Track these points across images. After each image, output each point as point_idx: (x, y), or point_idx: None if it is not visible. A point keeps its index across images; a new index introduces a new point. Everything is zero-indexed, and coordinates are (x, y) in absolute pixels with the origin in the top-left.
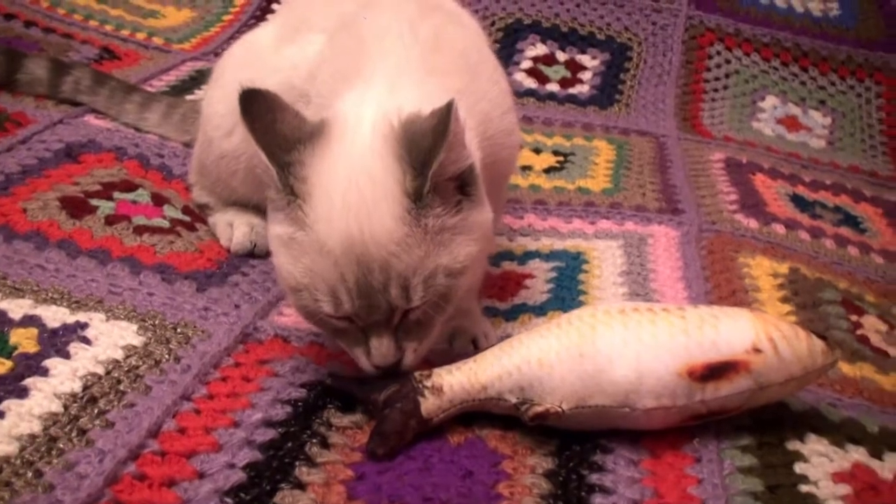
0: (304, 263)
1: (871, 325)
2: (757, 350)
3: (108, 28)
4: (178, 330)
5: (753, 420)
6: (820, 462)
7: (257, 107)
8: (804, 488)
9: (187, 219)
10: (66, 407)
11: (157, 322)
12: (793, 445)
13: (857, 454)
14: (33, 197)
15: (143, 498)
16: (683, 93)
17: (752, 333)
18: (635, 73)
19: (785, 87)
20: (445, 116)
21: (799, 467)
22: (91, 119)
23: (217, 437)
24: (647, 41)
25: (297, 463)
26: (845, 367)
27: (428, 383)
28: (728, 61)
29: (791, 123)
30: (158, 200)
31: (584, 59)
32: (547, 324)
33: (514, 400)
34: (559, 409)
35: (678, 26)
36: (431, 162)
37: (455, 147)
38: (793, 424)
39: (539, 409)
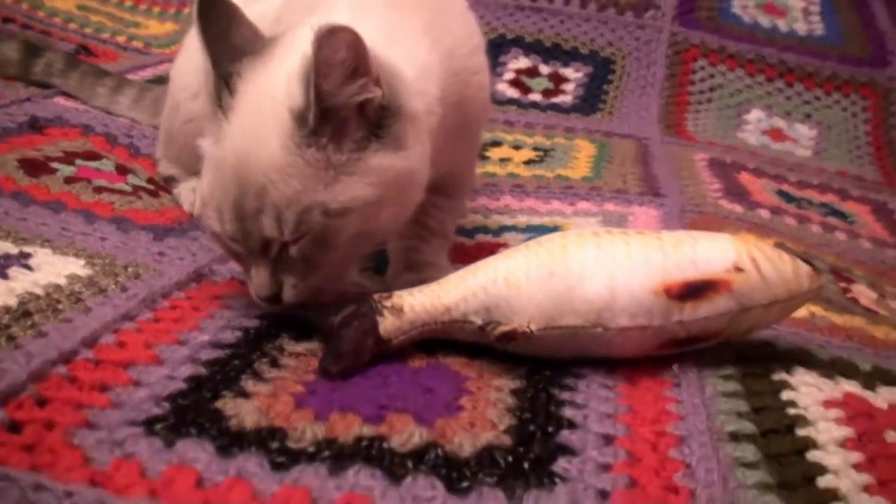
0: (209, 178)
1: (861, 292)
2: (738, 269)
3: (88, 30)
4: (129, 269)
5: (736, 354)
6: (809, 391)
7: (215, 13)
8: (792, 411)
9: (151, 187)
10: None
11: (106, 261)
12: (779, 376)
13: (849, 386)
14: None
15: (70, 396)
16: (667, 103)
17: (733, 253)
18: (619, 84)
19: (770, 101)
20: (314, 42)
21: (786, 395)
22: (61, 100)
23: (158, 352)
24: (631, 55)
25: (243, 377)
26: (835, 317)
27: (388, 303)
28: (712, 76)
29: (776, 135)
30: (122, 170)
31: (567, 72)
32: (514, 247)
33: (479, 322)
34: (527, 329)
35: (662, 42)
36: (310, 83)
37: (333, 75)
38: (779, 359)
39: (506, 328)
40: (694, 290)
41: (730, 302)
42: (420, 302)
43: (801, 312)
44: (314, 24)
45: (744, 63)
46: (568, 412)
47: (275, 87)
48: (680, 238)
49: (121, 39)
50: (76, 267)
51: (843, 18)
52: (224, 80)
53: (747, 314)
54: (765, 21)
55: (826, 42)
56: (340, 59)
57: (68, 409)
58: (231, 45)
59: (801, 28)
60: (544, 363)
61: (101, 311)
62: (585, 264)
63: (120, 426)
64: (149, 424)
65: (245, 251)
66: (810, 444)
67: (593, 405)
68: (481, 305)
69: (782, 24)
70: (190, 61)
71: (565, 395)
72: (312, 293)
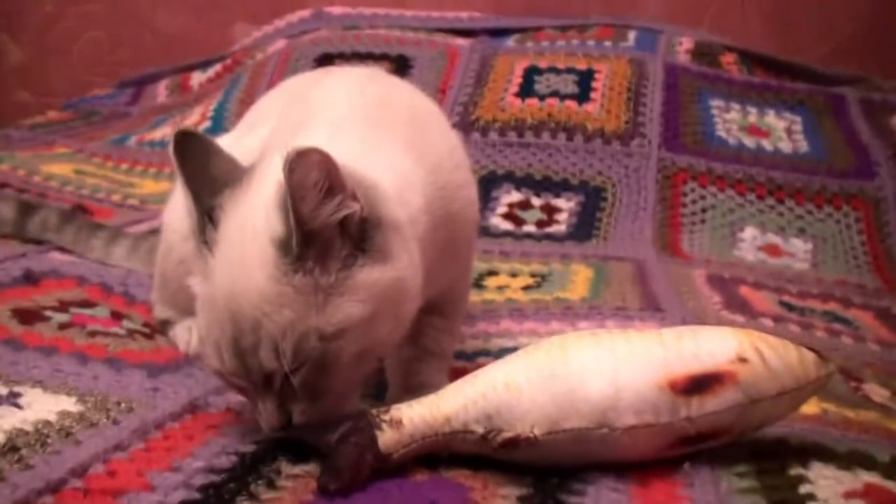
0: (202, 316)
1: (873, 390)
2: (742, 360)
3: (84, 191)
4: (122, 404)
5: (749, 451)
6: (828, 484)
7: (191, 148)
8: None
9: (146, 330)
10: None
11: (99, 398)
12: (796, 471)
13: (869, 477)
14: None
15: None
16: (661, 225)
17: (735, 344)
18: (611, 210)
19: (763, 218)
20: (285, 168)
21: (805, 488)
22: (56, 254)
23: (150, 479)
24: (621, 182)
25: (238, 499)
26: (848, 412)
27: (386, 417)
28: (703, 197)
29: (773, 250)
30: (117, 316)
31: (560, 203)
32: (513, 353)
33: (481, 430)
34: (531, 435)
35: (650, 168)
36: (289, 208)
37: (309, 197)
38: (794, 455)
39: (509, 434)
40: (699, 384)
41: (737, 394)
42: (419, 413)
43: (814, 409)
44: (284, 150)
45: (733, 183)
46: None
47: (254, 217)
48: (681, 332)
49: (116, 198)
50: (67, 404)
51: (825, 135)
52: (207, 215)
53: (756, 407)
54: (749, 142)
55: (811, 158)
56: (313, 180)
57: None
58: (210, 178)
59: (785, 147)
60: (551, 472)
61: (91, 442)
62: (586, 363)
63: None
64: None
65: (249, 386)
66: None
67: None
68: (482, 413)
69: (767, 144)
70: (182, 203)
71: (574, 500)
72: (323, 417)
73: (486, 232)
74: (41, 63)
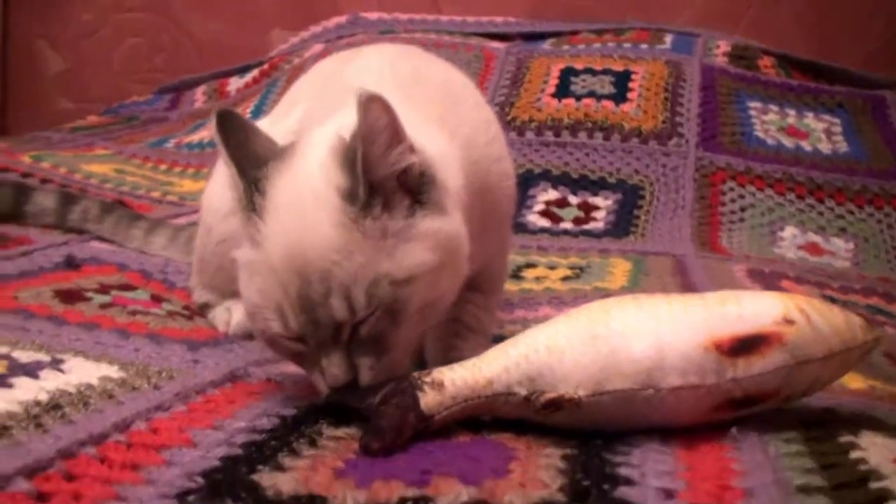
0: (255, 283)
1: None
2: (789, 321)
3: (124, 188)
4: (163, 373)
5: (797, 419)
6: (879, 451)
7: (232, 126)
8: (863, 468)
9: (186, 312)
10: (26, 409)
11: (140, 367)
12: (846, 438)
13: None
14: (27, 288)
15: (99, 473)
16: (699, 224)
17: (781, 306)
18: (649, 209)
19: (803, 217)
20: (360, 108)
21: (855, 454)
22: (96, 243)
23: (192, 436)
24: (659, 181)
25: (279, 454)
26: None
27: (428, 379)
28: (742, 196)
29: (813, 249)
30: (157, 299)
31: (597, 201)
32: (553, 318)
33: (523, 392)
34: (575, 396)
35: (688, 167)
36: (356, 157)
37: (379, 141)
38: (843, 424)
39: (552, 395)
40: (745, 345)
41: (784, 355)
42: (461, 376)
43: (861, 385)
44: (337, 120)
45: (772, 182)
46: (623, 471)
47: (311, 176)
48: (724, 296)
49: (155, 194)
50: (109, 371)
51: (865, 136)
52: (253, 185)
53: (804, 369)
54: (788, 143)
55: (851, 158)
56: (384, 123)
57: (97, 485)
58: (253, 153)
59: (824, 147)
60: (595, 434)
61: (132, 403)
62: (628, 324)
63: (151, 500)
64: (181, 497)
65: (314, 343)
66: (888, 495)
67: (650, 465)
68: (524, 375)
69: (806, 145)
70: (220, 184)
71: (619, 458)
72: (387, 373)
73: (524, 228)
74: (81, 71)
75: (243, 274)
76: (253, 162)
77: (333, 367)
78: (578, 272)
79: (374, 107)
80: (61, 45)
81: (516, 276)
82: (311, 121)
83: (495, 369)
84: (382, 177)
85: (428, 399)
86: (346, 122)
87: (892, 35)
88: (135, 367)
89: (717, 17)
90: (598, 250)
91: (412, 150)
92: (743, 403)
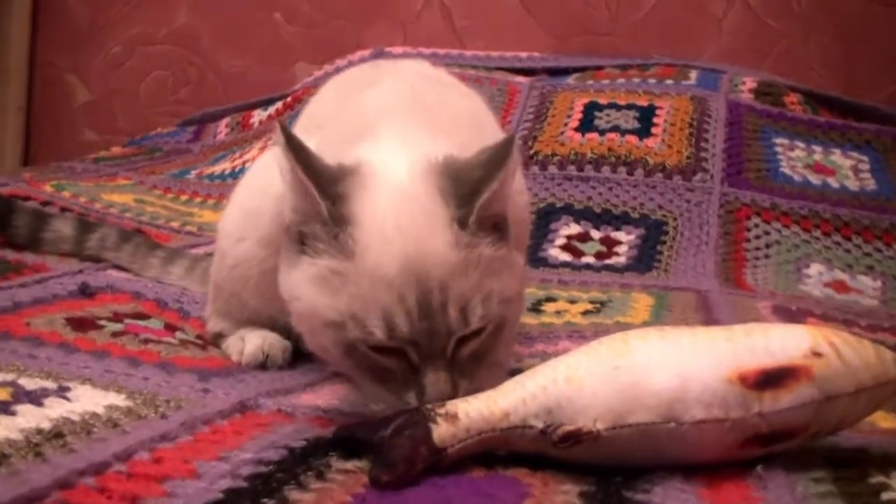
0: (349, 293)
1: None
2: (817, 354)
3: (144, 218)
4: (171, 402)
5: (826, 459)
6: None
7: (298, 145)
8: None
9: (199, 342)
10: (27, 437)
11: (148, 396)
12: (877, 479)
13: None
14: (40, 316)
15: (97, 503)
16: (724, 259)
17: (809, 338)
18: (672, 244)
19: (829, 255)
20: (506, 147)
21: (887, 495)
22: (112, 272)
23: (196, 467)
24: (683, 216)
25: (286, 487)
26: None
27: (441, 411)
28: (767, 233)
29: (840, 287)
30: (171, 328)
31: (619, 235)
32: (574, 349)
33: (540, 425)
34: (593, 429)
35: (713, 203)
36: (482, 191)
37: (508, 181)
38: (874, 464)
39: (569, 428)
40: (772, 378)
41: (812, 390)
42: (476, 408)
43: (892, 423)
44: (385, 150)
45: (798, 219)
46: None
47: (414, 196)
48: (751, 328)
49: (175, 224)
50: (116, 400)
51: (893, 174)
52: (332, 202)
53: (833, 404)
54: (815, 179)
55: (880, 196)
56: (513, 170)
57: None
58: (324, 170)
59: (852, 185)
60: (615, 470)
61: (137, 432)
62: (650, 355)
63: None
64: None
65: (421, 356)
66: None
67: (671, 503)
68: (541, 407)
69: (833, 182)
70: (235, 209)
71: (640, 496)
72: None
73: (545, 262)
74: (108, 102)
75: (315, 288)
76: (327, 179)
77: (441, 384)
78: (599, 306)
79: (515, 156)
80: (88, 76)
81: (536, 309)
82: (331, 144)
83: (511, 401)
84: (489, 214)
85: (441, 431)
86: (407, 150)
87: None
88: (143, 395)
89: (744, 53)
90: (619, 285)
91: None
92: (770, 440)
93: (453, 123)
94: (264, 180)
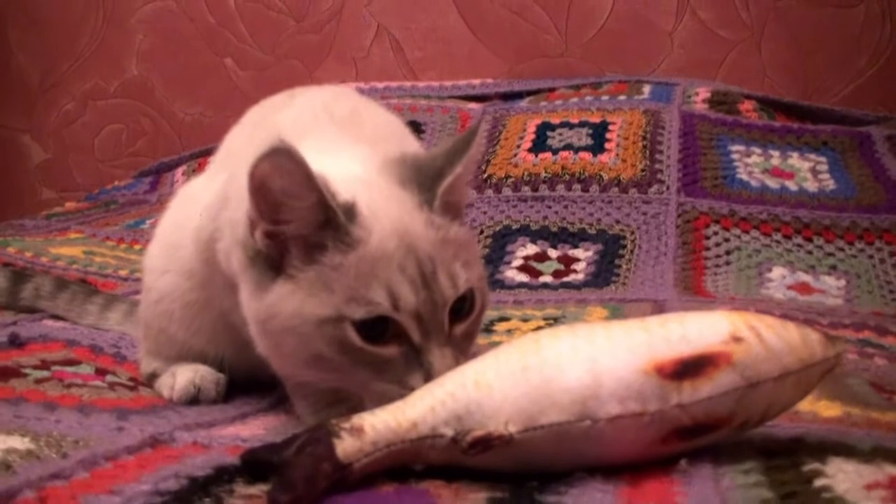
0: (347, 283)
1: None
2: (737, 339)
3: (91, 268)
4: (80, 442)
5: (758, 450)
6: (847, 478)
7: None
8: (828, 495)
9: (131, 384)
10: None
11: (56, 438)
12: (811, 467)
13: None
14: None
15: None
16: (683, 269)
17: (728, 324)
18: (630, 257)
19: (791, 257)
20: (469, 136)
21: (820, 482)
22: (48, 322)
23: (81, 502)
24: (640, 229)
25: None
26: (875, 414)
27: (346, 425)
28: (727, 240)
29: (803, 288)
30: (102, 372)
31: (577, 252)
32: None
33: (450, 433)
34: (505, 433)
35: (670, 213)
36: (445, 175)
37: (470, 168)
38: (809, 452)
39: (479, 433)
40: (690, 367)
41: (733, 376)
42: (382, 420)
43: (835, 412)
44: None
45: (758, 224)
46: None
47: (380, 187)
48: (666, 317)
49: (122, 273)
50: (17, 443)
51: (852, 173)
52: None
53: (757, 391)
54: (773, 183)
55: (839, 196)
56: (475, 157)
57: None
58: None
59: (811, 186)
60: (532, 476)
61: (26, 472)
62: (562, 352)
63: None
64: None
65: (427, 326)
66: None
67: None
68: (451, 414)
69: (791, 185)
70: (156, 243)
71: (552, 498)
72: None
73: (501, 285)
74: (63, 160)
75: (301, 294)
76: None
77: (448, 359)
78: (553, 322)
79: (478, 145)
80: (42, 135)
81: (487, 329)
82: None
83: (420, 410)
84: (455, 201)
85: (345, 446)
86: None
87: (876, 71)
88: (49, 438)
89: (697, 65)
90: (576, 301)
91: None
92: (693, 432)
93: (376, 134)
94: (182, 213)
